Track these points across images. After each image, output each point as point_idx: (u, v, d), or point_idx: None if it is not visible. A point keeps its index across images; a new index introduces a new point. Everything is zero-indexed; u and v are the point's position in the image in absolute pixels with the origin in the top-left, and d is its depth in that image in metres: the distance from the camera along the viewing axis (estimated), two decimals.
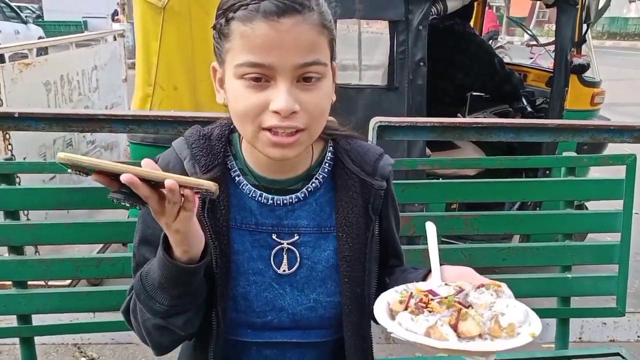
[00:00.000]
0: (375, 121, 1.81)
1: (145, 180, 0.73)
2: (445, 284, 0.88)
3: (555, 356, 1.73)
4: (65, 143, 3.67)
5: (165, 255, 0.84)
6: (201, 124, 1.04)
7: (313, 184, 0.98)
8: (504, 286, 0.85)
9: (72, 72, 3.82)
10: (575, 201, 1.73)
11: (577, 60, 3.12)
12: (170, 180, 0.73)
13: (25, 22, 12.96)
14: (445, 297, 0.83)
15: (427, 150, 3.05)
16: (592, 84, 3.42)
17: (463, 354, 0.77)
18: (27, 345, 1.61)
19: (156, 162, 0.99)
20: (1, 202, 1.50)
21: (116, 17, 14.00)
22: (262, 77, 0.83)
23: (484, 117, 3.85)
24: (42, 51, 4.28)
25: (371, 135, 1.83)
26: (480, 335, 0.77)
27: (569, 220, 1.67)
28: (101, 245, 2.81)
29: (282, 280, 0.97)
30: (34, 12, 20.62)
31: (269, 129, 0.85)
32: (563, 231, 1.68)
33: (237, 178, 0.97)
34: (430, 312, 0.80)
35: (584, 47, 3.34)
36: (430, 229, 0.99)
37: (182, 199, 0.77)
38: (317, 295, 0.97)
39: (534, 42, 5.72)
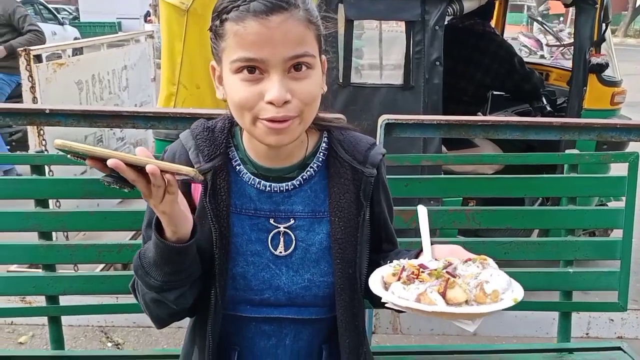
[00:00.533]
0: (383, 118, 1.88)
1: (132, 166, 0.82)
2: (435, 260, 0.95)
3: (557, 348, 1.76)
4: (96, 139, 3.84)
5: (156, 235, 0.93)
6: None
7: (308, 172, 1.06)
8: (490, 260, 0.92)
9: (103, 71, 3.99)
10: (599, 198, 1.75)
11: (595, 60, 3.11)
12: (151, 165, 0.81)
13: (62, 24, 13.38)
14: (435, 269, 0.90)
15: (443, 148, 3.09)
16: (612, 83, 3.39)
17: (450, 317, 0.84)
18: (55, 324, 1.74)
19: (166, 153, 1.10)
20: (32, 190, 1.62)
21: (148, 18, 14.35)
22: (255, 71, 0.91)
23: (505, 116, 3.86)
24: (78, 51, 4.47)
25: (379, 132, 1.90)
26: (467, 302, 0.83)
27: (571, 216, 1.71)
28: (133, 233, 2.95)
29: (279, 261, 1.05)
30: (70, 13, 21.23)
31: (266, 119, 0.92)
32: (565, 227, 1.72)
33: (237, 167, 1.06)
34: (420, 282, 0.87)
35: (604, 45, 3.31)
36: (422, 211, 1.05)
37: (165, 183, 0.85)
38: (311, 276, 1.05)
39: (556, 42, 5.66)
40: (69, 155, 0.82)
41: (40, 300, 1.75)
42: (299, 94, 0.93)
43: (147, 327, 2.54)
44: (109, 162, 0.79)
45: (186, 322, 1.15)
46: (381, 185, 1.12)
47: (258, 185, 1.05)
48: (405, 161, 1.68)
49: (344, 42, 2.82)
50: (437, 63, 2.92)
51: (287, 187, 1.05)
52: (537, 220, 1.71)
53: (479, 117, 1.88)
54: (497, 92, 4.06)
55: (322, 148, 1.08)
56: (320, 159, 1.07)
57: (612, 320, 2.44)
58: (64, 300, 1.73)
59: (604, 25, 3.16)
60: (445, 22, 3.62)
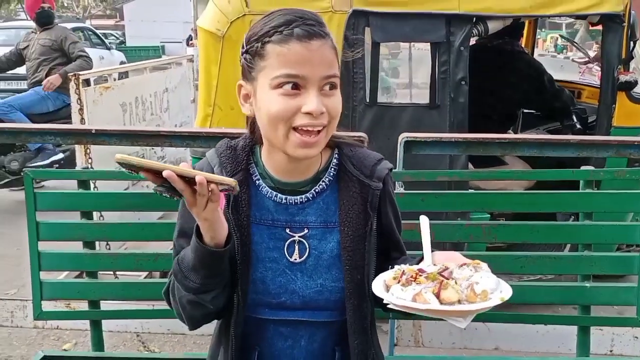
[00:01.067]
0: (402, 136, 1.97)
1: (181, 177, 0.95)
2: (434, 265, 1.03)
3: None
4: (139, 157, 4.05)
5: (197, 241, 1.05)
6: None
7: (320, 186, 1.17)
8: (483, 264, 1.00)
9: (146, 94, 4.23)
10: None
11: (624, 77, 3.10)
12: (200, 176, 0.95)
13: (109, 49, 14.07)
14: (431, 273, 0.98)
15: (470, 166, 3.14)
16: None
17: (443, 314, 0.92)
18: (96, 327, 1.88)
19: (194, 169, 1.23)
20: (78, 203, 1.79)
21: (190, 42, 14.91)
22: (296, 86, 1.04)
23: (536, 134, 3.87)
24: (123, 75, 4.78)
25: (399, 149, 1.99)
26: (459, 301, 0.92)
27: (588, 231, 1.74)
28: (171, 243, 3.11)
29: (294, 268, 1.15)
30: (117, 38, 22.29)
31: (299, 128, 1.04)
32: (582, 241, 1.75)
33: (257, 181, 1.17)
34: (417, 284, 0.96)
35: (632, 63, 3.31)
36: (424, 221, 1.14)
37: (209, 192, 0.97)
38: (323, 281, 1.14)
39: (585, 58, 5.62)
40: (124, 169, 0.94)
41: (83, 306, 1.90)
42: (329, 108, 1.06)
43: (181, 334, 2.68)
44: (164, 173, 0.92)
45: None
46: (387, 198, 1.21)
47: (275, 198, 1.16)
48: (421, 177, 1.76)
49: (370, 63, 2.93)
50: (463, 82, 2.98)
51: (301, 200, 1.16)
52: (553, 235, 1.75)
53: (496, 135, 1.94)
54: (527, 110, 4.07)
55: (333, 164, 1.19)
56: (332, 174, 1.18)
57: (636, 337, 2.41)
58: (105, 306, 1.88)
59: (631, 43, 3.16)
60: (473, 42, 3.71)
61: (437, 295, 0.92)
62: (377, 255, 1.18)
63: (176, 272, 1.11)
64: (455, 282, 0.95)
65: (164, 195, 0.97)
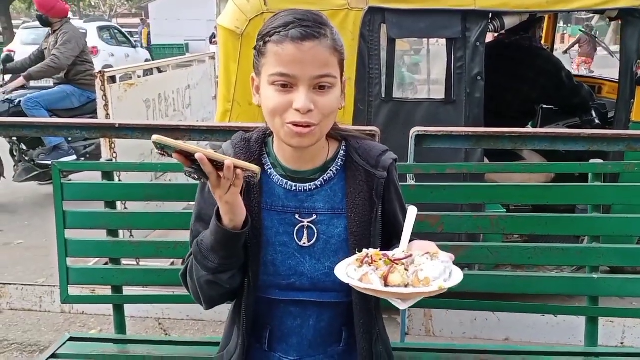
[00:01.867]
0: (414, 130, 2.02)
1: (210, 161, 1.02)
2: (403, 252, 1.08)
3: (583, 352, 1.81)
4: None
5: (217, 222, 1.12)
6: None
7: (328, 174, 1.24)
8: (441, 254, 1.06)
9: (169, 90, 4.35)
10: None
11: None
12: (229, 160, 1.03)
13: (134, 47, 14.36)
14: (387, 258, 1.05)
15: (486, 160, 3.15)
16: None
17: (382, 294, 1.00)
18: (119, 311, 1.98)
19: None
20: (102, 193, 1.88)
21: (214, 40, 15.09)
22: (287, 84, 1.11)
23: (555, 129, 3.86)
24: (148, 72, 4.90)
25: (410, 143, 2.04)
26: (406, 286, 0.99)
27: (596, 223, 1.77)
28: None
29: (303, 251, 1.22)
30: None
31: (292, 123, 1.12)
32: (589, 233, 1.78)
33: (269, 170, 1.25)
34: (370, 266, 1.03)
35: None
36: (411, 210, 1.19)
37: (234, 176, 1.04)
38: (330, 264, 1.20)
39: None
40: (158, 150, 1.01)
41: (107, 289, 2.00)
42: (320, 106, 1.12)
43: (200, 320, 2.79)
44: (197, 155, 1.00)
45: None
46: (392, 186, 1.27)
47: (285, 186, 1.23)
48: (431, 169, 1.81)
49: (386, 59, 2.97)
50: (479, 78, 3.00)
51: (310, 187, 1.23)
52: (561, 227, 1.77)
53: (506, 129, 1.97)
54: (546, 105, 4.06)
55: (341, 154, 1.26)
56: (339, 164, 1.25)
57: None
58: (127, 291, 1.97)
59: None
60: (490, 39, 3.71)
61: (385, 278, 1.00)
62: (382, 240, 1.24)
63: (196, 254, 1.19)
64: (406, 269, 1.01)
65: (193, 176, 1.05)
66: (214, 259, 1.15)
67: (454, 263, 1.06)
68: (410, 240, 1.14)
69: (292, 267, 1.22)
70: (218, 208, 1.12)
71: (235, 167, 1.03)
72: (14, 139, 5.12)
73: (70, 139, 5.18)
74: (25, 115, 4.85)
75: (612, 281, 1.77)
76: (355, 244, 1.20)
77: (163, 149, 1.00)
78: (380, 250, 1.20)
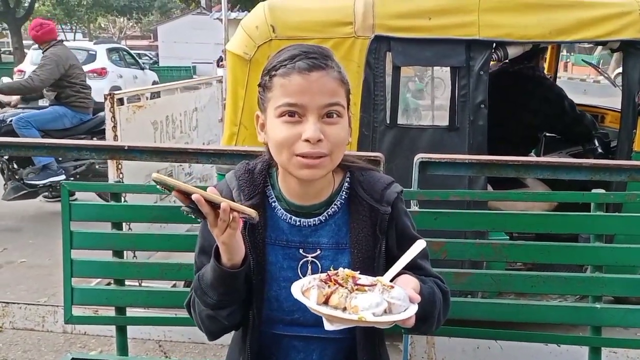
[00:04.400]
0: (418, 157, 2.05)
1: (207, 201, 1.03)
2: (376, 279, 1.07)
3: None
4: (167, 173, 4.21)
5: (215, 262, 1.12)
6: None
7: (332, 209, 1.23)
8: (397, 290, 1.04)
9: (176, 112, 4.40)
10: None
11: None
12: (225, 203, 1.02)
13: (142, 68, 14.54)
14: (344, 279, 1.05)
15: (489, 188, 3.17)
16: None
17: (315, 311, 1.01)
18: (121, 333, 1.98)
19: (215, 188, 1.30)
20: (110, 214, 1.91)
21: (221, 63, 15.30)
22: (295, 114, 1.11)
23: (558, 158, 3.89)
24: (156, 94, 4.96)
25: (414, 169, 2.06)
26: (344, 309, 1.00)
27: (599, 252, 1.78)
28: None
29: None
30: (151, 58, 23.00)
31: (301, 155, 1.11)
32: (592, 263, 1.79)
33: (273, 204, 1.24)
34: (324, 282, 1.05)
35: None
36: (417, 244, 1.18)
37: (230, 219, 1.04)
38: None
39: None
40: (158, 187, 1.03)
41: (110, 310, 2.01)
42: (330, 136, 1.12)
43: (201, 343, 2.77)
44: (194, 196, 1.01)
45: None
46: (397, 221, 1.25)
47: (290, 220, 1.23)
48: (435, 196, 1.83)
49: (391, 86, 3.02)
50: (482, 106, 3.04)
51: (314, 222, 1.22)
52: (564, 255, 1.78)
53: (509, 157, 1.99)
54: (549, 134, 4.10)
55: (345, 187, 1.25)
56: (343, 197, 1.24)
57: None
58: (130, 312, 1.98)
59: None
60: (494, 67, 3.77)
61: (328, 297, 1.02)
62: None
63: (196, 288, 1.19)
64: (350, 292, 1.01)
65: (190, 215, 1.06)
66: (213, 295, 1.14)
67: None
68: (405, 272, 1.13)
69: (296, 302, 1.16)
70: (217, 246, 1.10)
71: (232, 210, 1.03)
72: (5, 157, 5.14)
73: (60, 158, 5.23)
74: (16, 135, 4.89)
75: (614, 311, 1.77)
76: None
77: (165, 186, 1.01)
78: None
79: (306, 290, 1.04)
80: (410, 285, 1.08)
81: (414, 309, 1.02)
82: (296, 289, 1.04)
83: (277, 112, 1.12)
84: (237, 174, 1.27)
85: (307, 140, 1.10)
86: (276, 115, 1.13)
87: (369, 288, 1.03)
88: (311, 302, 1.01)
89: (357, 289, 1.02)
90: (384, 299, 1.01)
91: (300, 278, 1.18)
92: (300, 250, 1.21)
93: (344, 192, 1.24)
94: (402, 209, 1.28)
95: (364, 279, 1.06)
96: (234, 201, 1.21)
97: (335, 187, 1.25)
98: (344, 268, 1.16)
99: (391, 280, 1.10)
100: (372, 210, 1.22)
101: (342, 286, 1.03)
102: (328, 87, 1.11)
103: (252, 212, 1.05)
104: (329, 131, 1.11)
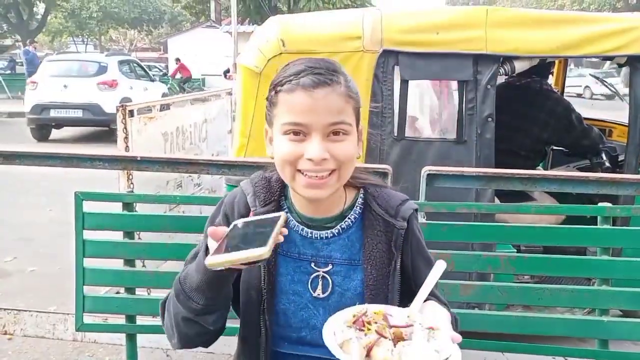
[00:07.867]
0: (425, 170, 2.07)
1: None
2: (408, 316, 1.00)
3: None
4: (176, 184, 4.26)
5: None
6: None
7: (346, 223, 1.20)
8: (443, 333, 0.95)
9: (186, 124, 4.46)
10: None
11: None
12: (237, 264, 0.96)
13: (152, 80, 14.68)
14: (381, 325, 0.96)
15: (496, 200, 3.19)
16: None
17: None
18: (131, 341, 2.01)
19: (226, 197, 1.28)
20: (123, 224, 1.94)
21: (228, 75, 15.44)
22: (300, 133, 1.09)
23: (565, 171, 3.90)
24: (165, 106, 5.00)
25: (422, 182, 2.08)
26: None
27: (606, 265, 1.79)
28: None
29: (317, 303, 1.16)
30: (160, 70, 23.22)
31: (303, 172, 1.09)
32: (599, 276, 1.80)
33: (286, 214, 1.19)
34: (360, 330, 0.95)
35: None
36: (438, 265, 1.12)
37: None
38: None
39: None
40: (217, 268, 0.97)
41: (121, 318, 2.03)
42: (336, 153, 1.09)
43: (209, 352, 2.79)
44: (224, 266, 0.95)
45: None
46: (412, 237, 1.21)
47: (302, 232, 1.20)
48: (442, 208, 1.84)
49: (399, 99, 3.05)
50: (489, 119, 3.06)
51: (327, 235, 1.19)
52: (571, 268, 1.80)
53: (516, 170, 2.01)
54: (556, 147, 4.11)
55: (359, 203, 1.22)
56: (357, 212, 1.21)
57: None
58: (140, 321, 2.01)
59: None
60: (502, 81, 3.80)
61: (369, 349, 0.92)
62: (400, 294, 1.17)
63: (178, 292, 1.10)
64: (394, 345, 0.93)
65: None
66: (199, 299, 1.07)
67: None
68: (429, 298, 1.07)
69: (304, 319, 1.16)
70: (207, 246, 1.04)
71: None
72: None
73: None
74: None
75: (622, 325, 1.78)
76: (371, 299, 1.13)
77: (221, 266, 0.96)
78: (400, 301, 1.14)
79: (346, 341, 0.93)
80: (444, 319, 1.01)
81: (458, 354, 0.93)
82: (332, 343, 0.93)
83: (281, 129, 1.10)
84: (253, 180, 1.25)
85: (310, 160, 1.08)
86: (281, 132, 1.11)
87: (406, 330, 0.95)
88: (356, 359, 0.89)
89: (393, 333, 0.94)
90: (434, 350, 0.91)
91: (310, 293, 1.16)
92: (312, 264, 1.18)
93: (358, 207, 1.21)
94: (417, 226, 1.24)
95: (397, 318, 0.99)
96: (247, 208, 1.20)
97: (348, 202, 1.22)
98: (355, 287, 1.12)
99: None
100: (387, 225, 1.18)
101: (383, 336, 0.93)
102: (334, 106, 1.07)
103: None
104: (334, 149, 1.08)
